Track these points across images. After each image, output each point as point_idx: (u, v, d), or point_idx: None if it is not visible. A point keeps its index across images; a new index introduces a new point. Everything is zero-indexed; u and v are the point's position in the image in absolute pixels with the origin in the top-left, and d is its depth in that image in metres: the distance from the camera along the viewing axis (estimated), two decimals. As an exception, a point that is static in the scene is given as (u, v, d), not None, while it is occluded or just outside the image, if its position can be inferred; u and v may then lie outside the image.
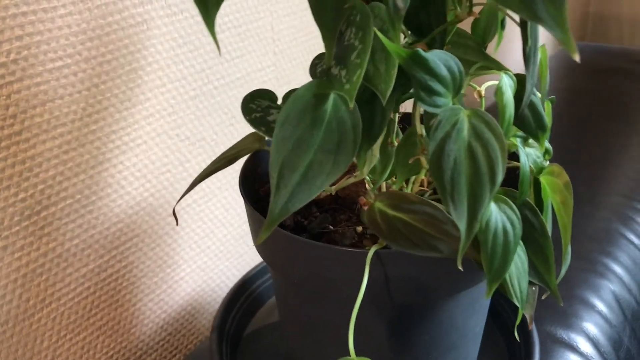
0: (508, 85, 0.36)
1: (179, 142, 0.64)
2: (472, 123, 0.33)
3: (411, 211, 0.38)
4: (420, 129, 0.41)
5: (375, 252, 0.40)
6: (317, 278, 0.47)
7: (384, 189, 0.46)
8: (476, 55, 0.43)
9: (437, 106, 0.33)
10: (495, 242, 0.35)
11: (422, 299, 0.46)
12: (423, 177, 0.40)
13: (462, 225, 0.32)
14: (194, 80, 0.63)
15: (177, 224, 0.52)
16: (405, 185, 0.47)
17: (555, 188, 0.42)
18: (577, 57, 0.26)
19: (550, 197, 0.43)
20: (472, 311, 0.52)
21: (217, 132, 0.68)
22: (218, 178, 0.69)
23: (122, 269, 0.62)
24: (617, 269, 0.73)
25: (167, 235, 0.65)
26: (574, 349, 0.62)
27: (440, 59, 0.33)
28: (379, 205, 0.39)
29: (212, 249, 0.71)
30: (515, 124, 0.39)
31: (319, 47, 0.85)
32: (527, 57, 0.36)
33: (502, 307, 0.64)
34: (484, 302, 0.52)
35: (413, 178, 0.40)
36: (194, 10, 0.61)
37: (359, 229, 0.50)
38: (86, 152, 0.55)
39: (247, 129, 0.73)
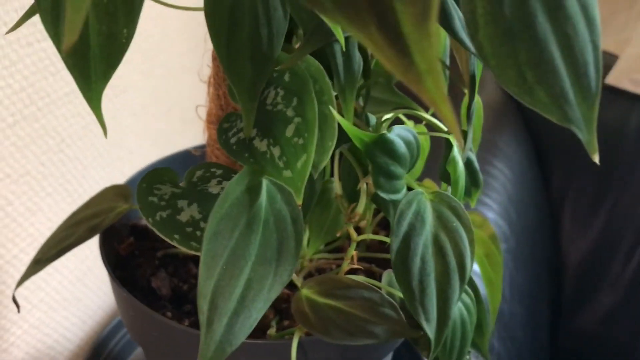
0: (457, 153, 0.31)
1: (-3, 182, 0.50)
2: (437, 210, 0.27)
3: (346, 297, 0.32)
4: (339, 188, 0.35)
5: (299, 343, 0.34)
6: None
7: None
8: (391, 94, 0.37)
9: (396, 191, 0.27)
10: (454, 336, 0.30)
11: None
12: (354, 251, 0.34)
13: (431, 332, 0.27)
14: (12, 104, 0.50)
15: (18, 311, 0.41)
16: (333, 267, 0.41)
17: (477, 241, 0.39)
18: (596, 158, 0.22)
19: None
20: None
21: (44, 163, 0.55)
22: (48, 217, 0.57)
23: None
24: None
25: (-10, 298, 0.52)
26: None
27: (400, 136, 0.27)
28: (306, 292, 0.32)
29: (46, 301, 0.59)
30: (444, 180, 0.35)
31: (157, 45, 0.74)
32: (471, 113, 0.31)
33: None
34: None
35: (348, 256, 0.34)
36: (7, 16, 0.47)
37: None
38: None
39: (80, 154, 0.61)
